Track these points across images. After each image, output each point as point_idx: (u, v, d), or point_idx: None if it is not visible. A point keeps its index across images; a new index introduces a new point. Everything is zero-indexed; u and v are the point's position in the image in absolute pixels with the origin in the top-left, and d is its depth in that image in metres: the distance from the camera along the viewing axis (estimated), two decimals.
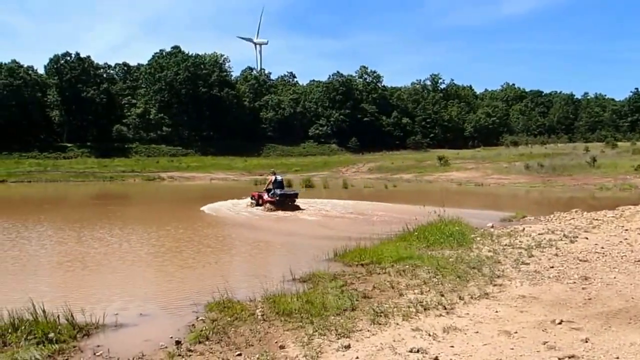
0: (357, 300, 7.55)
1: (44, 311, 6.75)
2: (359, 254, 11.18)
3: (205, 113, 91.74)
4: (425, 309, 7.06)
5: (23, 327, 6.49)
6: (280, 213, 21.78)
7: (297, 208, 22.49)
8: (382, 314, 6.85)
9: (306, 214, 21.71)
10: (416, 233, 13.44)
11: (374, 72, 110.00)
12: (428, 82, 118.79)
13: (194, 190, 42.95)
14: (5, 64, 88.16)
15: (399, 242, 12.58)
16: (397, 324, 6.52)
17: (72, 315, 6.81)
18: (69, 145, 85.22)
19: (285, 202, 22.27)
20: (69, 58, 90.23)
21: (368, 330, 6.29)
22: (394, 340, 5.91)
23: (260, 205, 23.05)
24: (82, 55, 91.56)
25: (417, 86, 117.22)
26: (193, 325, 6.88)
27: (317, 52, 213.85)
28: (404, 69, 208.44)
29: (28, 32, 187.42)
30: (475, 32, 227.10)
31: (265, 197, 22.90)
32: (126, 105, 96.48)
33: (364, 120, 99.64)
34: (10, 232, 16.71)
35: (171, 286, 9.97)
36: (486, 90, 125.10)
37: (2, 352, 5.93)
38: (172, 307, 8.08)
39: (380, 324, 6.50)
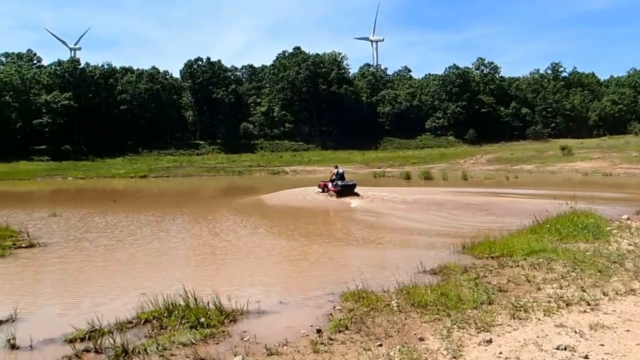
0: (493, 293, 7.23)
1: (195, 298, 7.12)
2: (488, 247, 10.73)
3: (325, 109, 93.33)
4: (567, 305, 6.63)
5: (176, 312, 6.86)
6: (400, 206, 21.71)
7: (356, 195, 24.73)
8: (521, 309, 6.51)
9: (428, 209, 21.30)
10: (547, 225, 12.66)
11: (491, 63, 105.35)
12: (548, 71, 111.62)
13: (315, 182, 43.62)
14: (146, 70, 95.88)
15: (530, 235, 11.91)
16: (539, 319, 6.15)
17: (219, 302, 7.12)
18: (201, 142, 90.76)
19: (345, 191, 24.81)
20: (200, 62, 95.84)
21: (508, 325, 5.99)
22: (538, 337, 5.58)
23: (325, 192, 25.85)
24: (213, 59, 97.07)
25: (536, 75, 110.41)
26: (331, 314, 6.93)
27: (432, 46, 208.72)
28: (522, 59, 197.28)
29: (165, 41, 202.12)
30: (597, 17, 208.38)
31: (330, 186, 25.66)
32: (252, 104, 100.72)
33: (482, 111, 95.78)
34: (152, 225, 18.01)
35: (305, 275, 10.17)
36: (611, 76, 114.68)
37: (160, 334, 6.33)
38: (309, 295, 8.20)
39: (520, 319, 6.17)
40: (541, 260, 9.30)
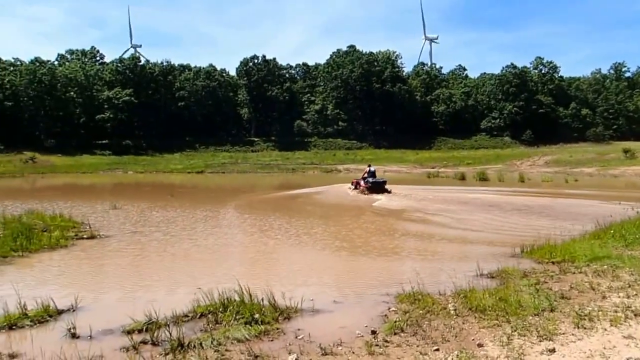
0: (555, 300, 6.92)
1: (249, 294, 7.15)
2: (549, 251, 10.35)
3: (379, 108, 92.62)
4: (635, 315, 6.28)
5: (231, 307, 6.91)
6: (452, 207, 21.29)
7: (387, 191, 26.83)
8: (586, 318, 6.20)
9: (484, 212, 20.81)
10: (612, 230, 12.10)
11: (550, 62, 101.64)
12: (611, 71, 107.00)
13: None
14: (203, 68, 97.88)
15: (593, 240, 11.42)
16: (605, 329, 5.84)
17: (273, 299, 7.13)
18: (256, 139, 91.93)
19: (375, 187, 26.81)
20: (256, 60, 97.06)
21: (572, 334, 5.71)
22: (605, 348, 5.29)
23: (357, 189, 28.02)
24: (268, 57, 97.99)
25: (598, 75, 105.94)
26: (386, 315, 6.82)
27: (488, 45, 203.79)
28: (583, 59, 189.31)
29: (223, 40, 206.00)
30: None
31: (362, 183, 27.85)
32: (306, 102, 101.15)
33: (539, 112, 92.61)
34: (207, 220, 18.32)
35: (359, 274, 10.07)
36: None
37: (215, 329, 6.38)
38: (363, 295, 8.10)
39: (585, 328, 5.88)
40: (606, 267, 8.87)
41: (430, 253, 12.07)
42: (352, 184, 29.40)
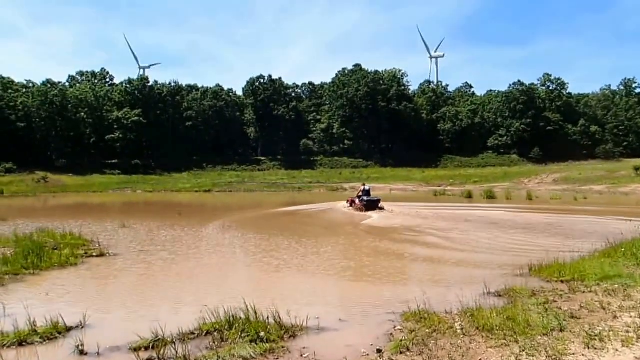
0: (564, 320, 6.82)
1: (255, 312, 7.11)
2: (557, 270, 10.20)
3: (384, 126, 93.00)
4: None
5: (237, 325, 6.88)
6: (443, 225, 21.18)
7: (382, 209, 28.08)
8: (596, 338, 6.08)
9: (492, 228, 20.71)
10: (623, 249, 11.93)
11: (558, 79, 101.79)
12: (620, 87, 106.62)
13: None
14: (210, 88, 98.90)
15: (603, 259, 11.26)
16: (617, 350, 5.72)
17: (279, 317, 7.09)
18: (263, 158, 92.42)
19: (370, 205, 28.05)
20: (262, 80, 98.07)
21: (583, 355, 5.60)
22: None
23: (352, 207, 29.47)
24: (274, 77, 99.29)
25: (607, 92, 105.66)
26: (391, 334, 6.74)
27: (494, 62, 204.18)
28: (591, 75, 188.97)
29: (230, 59, 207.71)
30: None
31: (357, 201, 29.18)
32: (312, 121, 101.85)
33: (547, 129, 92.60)
34: (212, 239, 18.32)
35: (365, 292, 10.00)
36: None
37: (220, 347, 6.36)
38: (369, 314, 8.04)
39: (596, 349, 5.76)
40: (617, 286, 8.73)
41: (434, 270, 11.98)
42: (347, 202, 31.16)
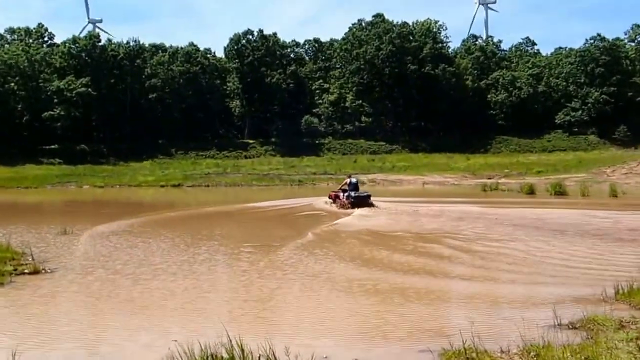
0: None
1: (242, 348, 7.07)
2: None
3: (415, 98, 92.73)
4: None
5: None
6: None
7: (372, 205, 30.12)
8: None
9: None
10: None
11: None
12: None
13: (402, 195, 43.31)
14: (181, 48, 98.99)
15: None
16: None
17: (274, 355, 7.06)
18: (251, 141, 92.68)
19: (359, 202, 30.03)
20: (251, 37, 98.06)
21: None
22: None
23: (336, 203, 31.53)
24: (266, 32, 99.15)
25: None
26: None
27: (566, 9, 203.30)
28: None
29: (208, 11, 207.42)
30: None
31: (341, 197, 31.24)
32: (317, 92, 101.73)
33: (637, 100, 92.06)
34: (180, 250, 18.26)
35: (389, 320, 9.94)
36: None
37: None
38: (394, 351, 8.04)
39: None
40: None
41: (484, 290, 11.88)
42: (329, 198, 33.16)
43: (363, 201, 30.18)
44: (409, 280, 13.21)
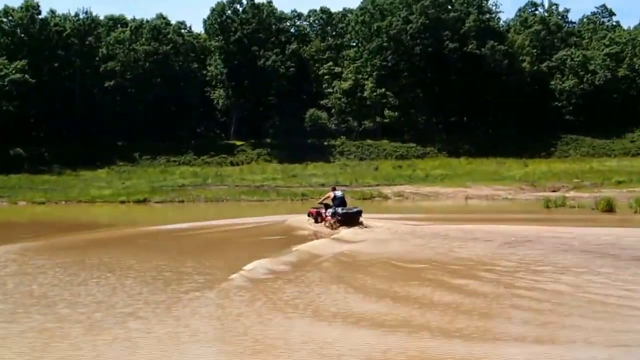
0: None
1: None
2: None
3: (455, 85, 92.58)
4: None
5: None
6: None
7: (360, 224, 30.66)
8: None
9: None
10: None
11: None
12: None
13: (441, 211, 42.97)
14: (147, 22, 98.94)
15: None
16: None
17: None
18: (239, 143, 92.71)
19: (347, 220, 30.40)
20: (238, 6, 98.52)
21: None
22: None
23: (319, 222, 32.38)
24: (258, 0, 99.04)
25: None
26: None
27: None
28: None
29: None
30: None
31: (325, 214, 32.02)
32: (326, 78, 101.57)
33: None
34: (135, 289, 17.94)
35: None
36: None
37: None
38: None
39: None
40: None
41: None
42: (309, 215, 34.19)
43: (352, 219, 30.55)
44: None
